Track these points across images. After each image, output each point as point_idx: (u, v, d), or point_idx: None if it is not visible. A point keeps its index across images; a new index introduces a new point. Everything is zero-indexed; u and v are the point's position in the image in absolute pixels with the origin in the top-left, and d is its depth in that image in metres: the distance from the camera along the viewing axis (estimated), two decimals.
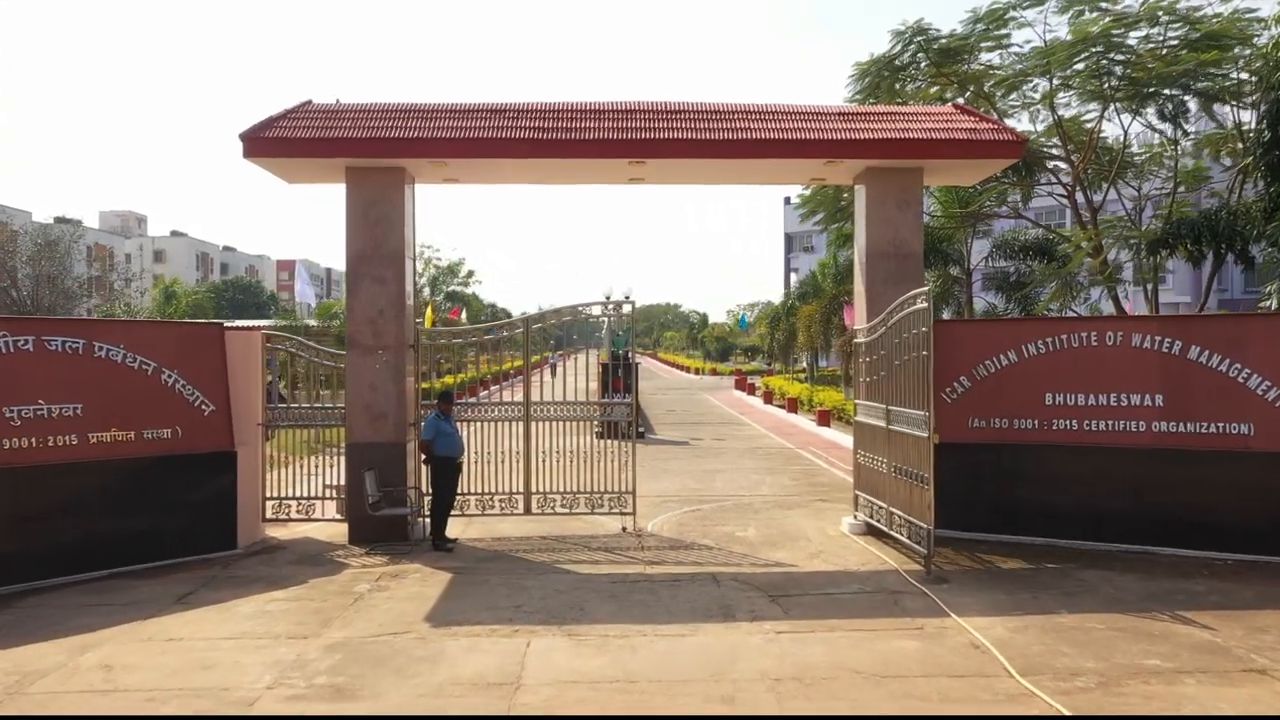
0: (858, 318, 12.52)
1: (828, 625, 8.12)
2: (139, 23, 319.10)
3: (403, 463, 11.77)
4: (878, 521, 11.33)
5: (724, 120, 11.62)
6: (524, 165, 11.83)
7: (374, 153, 11.29)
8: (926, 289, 9.78)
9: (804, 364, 46.60)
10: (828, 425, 25.56)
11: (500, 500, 12.22)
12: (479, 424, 12.33)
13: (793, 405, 31.04)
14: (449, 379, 25.39)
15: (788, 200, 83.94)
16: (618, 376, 23.96)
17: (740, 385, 45.61)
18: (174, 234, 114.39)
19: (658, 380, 62.02)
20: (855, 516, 12.13)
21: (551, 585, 9.49)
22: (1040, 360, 11.39)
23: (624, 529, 12.23)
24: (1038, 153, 17.13)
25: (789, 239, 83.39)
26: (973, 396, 11.53)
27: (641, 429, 24.80)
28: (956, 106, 12.22)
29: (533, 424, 12.24)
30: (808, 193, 19.51)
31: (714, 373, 69.94)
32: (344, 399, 11.91)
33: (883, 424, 11.08)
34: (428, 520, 11.56)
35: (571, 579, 9.76)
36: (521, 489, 12.23)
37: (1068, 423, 11.20)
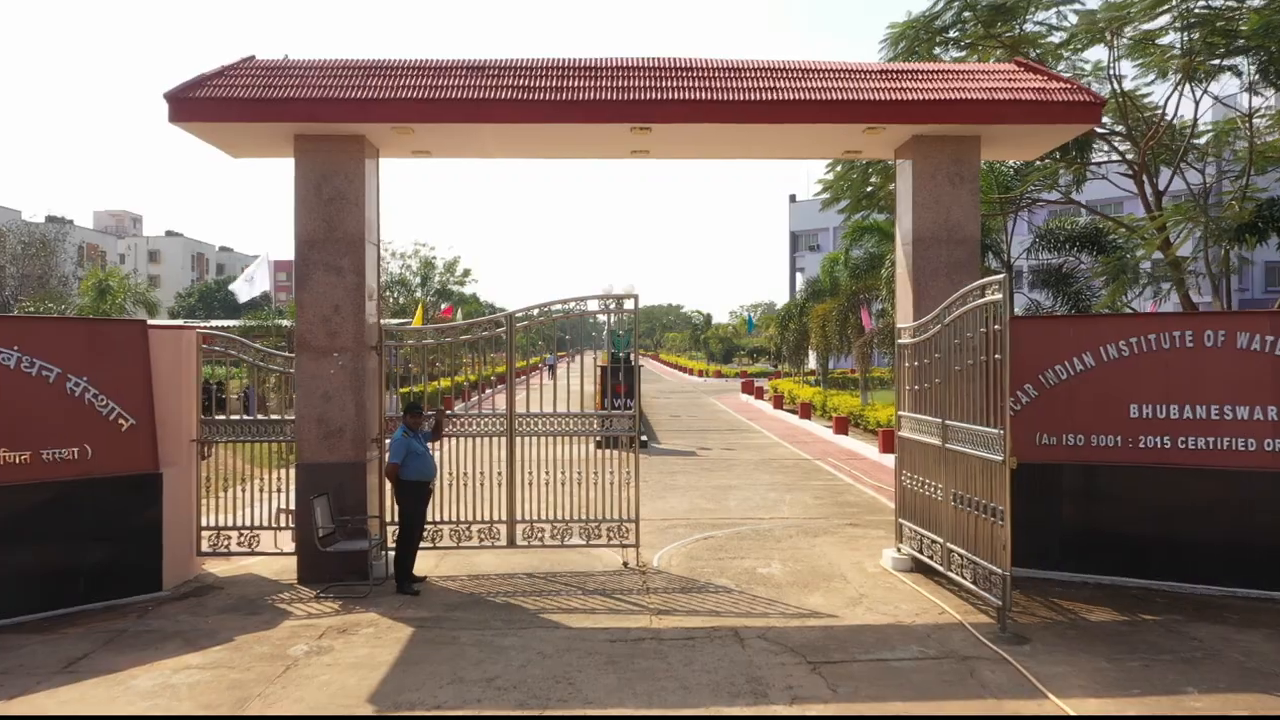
0: (899, 315, 10.64)
1: (889, 710, 6.25)
2: (139, 22, 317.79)
3: (363, 486, 9.90)
4: (930, 558, 9.44)
5: (743, 78, 9.74)
6: (506, 133, 9.97)
7: (327, 116, 9.42)
8: (1000, 278, 7.90)
9: (813, 366, 44.70)
10: (845, 433, 23.68)
11: (479, 530, 10.34)
12: (455, 440, 10.44)
13: (805, 411, 29.13)
14: (441, 382, 23.51)
15: (793, 198, 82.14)
16: (619, 381, 22.21)
17: (747, 389, 43.69)
18: (169, 234, 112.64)
19: (661, 383, 60.10)
20: (899, 549, 10.25)
21: (536, 645, 7.61)
22: (1122, 365, 9.52)
23: (625, 564, 10.36)
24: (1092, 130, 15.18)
25: (794, 237, 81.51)
26: (1040, 408, 9.66)
27: (645, 438, 22.94)
28: (1018, 63, 10.34)
29: (518, 439, 10.36)
30: (829, 176, 17.63)
31: (718, 375, 68.01)
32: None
33: (936, 441, 9.20)
34: (393, 553, 9.68)
35: (561, 636, 7.88)
36: (504, 516, 10.35)
37: (1157, 440, 9.33)
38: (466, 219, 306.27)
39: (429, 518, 10.08)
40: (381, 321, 10.45)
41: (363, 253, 9.94)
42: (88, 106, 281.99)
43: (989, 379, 8.09)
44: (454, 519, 10.30)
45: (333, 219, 9.89)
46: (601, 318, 10.62)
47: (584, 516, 10.40)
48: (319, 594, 9.29)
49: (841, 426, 24.01)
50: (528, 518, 10.38)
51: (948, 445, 8.94)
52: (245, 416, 10.46)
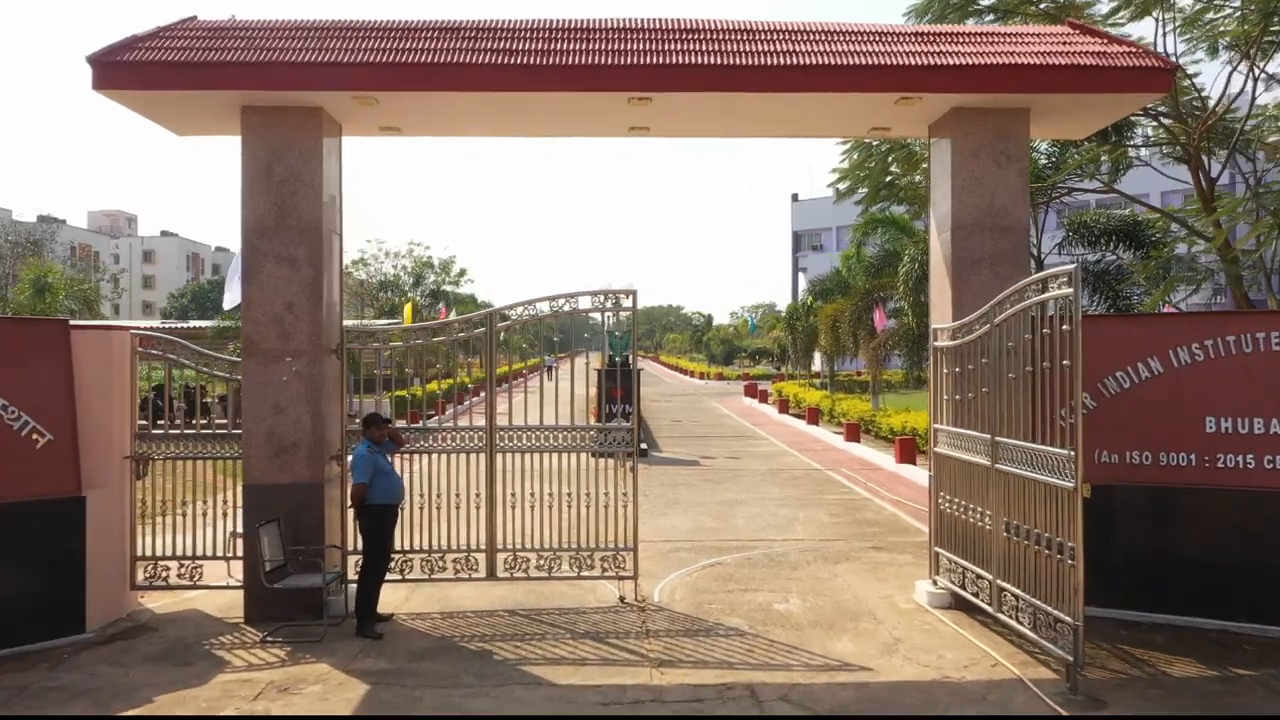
0: (935, 314, 9.35)
1: None
2: (139, 20, 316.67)
3: (320, 510, 8.61)
4: (974, 596, 8.14)
5: (757, 41, 8.46)
6: (485, 104, 8.69)
7: (276, 83, 8.14)
8: (1070, 268, 6.60)
9: (818, 368, 43.40)
10: (857, 440, 22.36)
11: (455, 560, 9.03)
12: (428, 457, 9.14)
13: (813, 416, 27.82)
14: (414, 390, 22.19)
15: (795, 197, 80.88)
16: (615, 385, 20.90)
17: (750, 392, 42.34)
18: (164, 234, 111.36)
19: (661, 385, 58.77)
20: (935, 582, 8.95)
21: (512, 710, 6.32)
22: (1197, 371, 8.23)
23: (622, 598, 9.06)
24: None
25: (796, 237, 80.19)
26: (1099, 421, 8.36)
27: (645, 446, 21.64)
28: (1072, 24, 9.05)
29: (499, 456, 9.06)
30: (845, 165, 16.36)
31: (720, 377, 66.63)
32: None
33: (983, 461, 7.90)
34: (355, 587, 8.37)
35: (543, 698, 6.58)
36: (483, 544, 9.05)
37: (1239, 458, 8.05)
38: (464, 219, 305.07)
39: (397, 546, 8.81)
40: (347, 322, 9.16)
41: (320, 242, 8.65)
42: (87, 105, 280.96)
43: (1052, 389, 6.80)
44: (426, 547, 9.00)
45: (285, 203, 8.60)
46: (596, 317, 9.31)
47: (574, 544, 9.09)
48: (266, 637, 8.00)
49: (853, 433, 22.69)
50: (510, 545, 9.08)
51: (998, 466, 7.65)
52: (187, 430, 9.13)
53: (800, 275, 75.73)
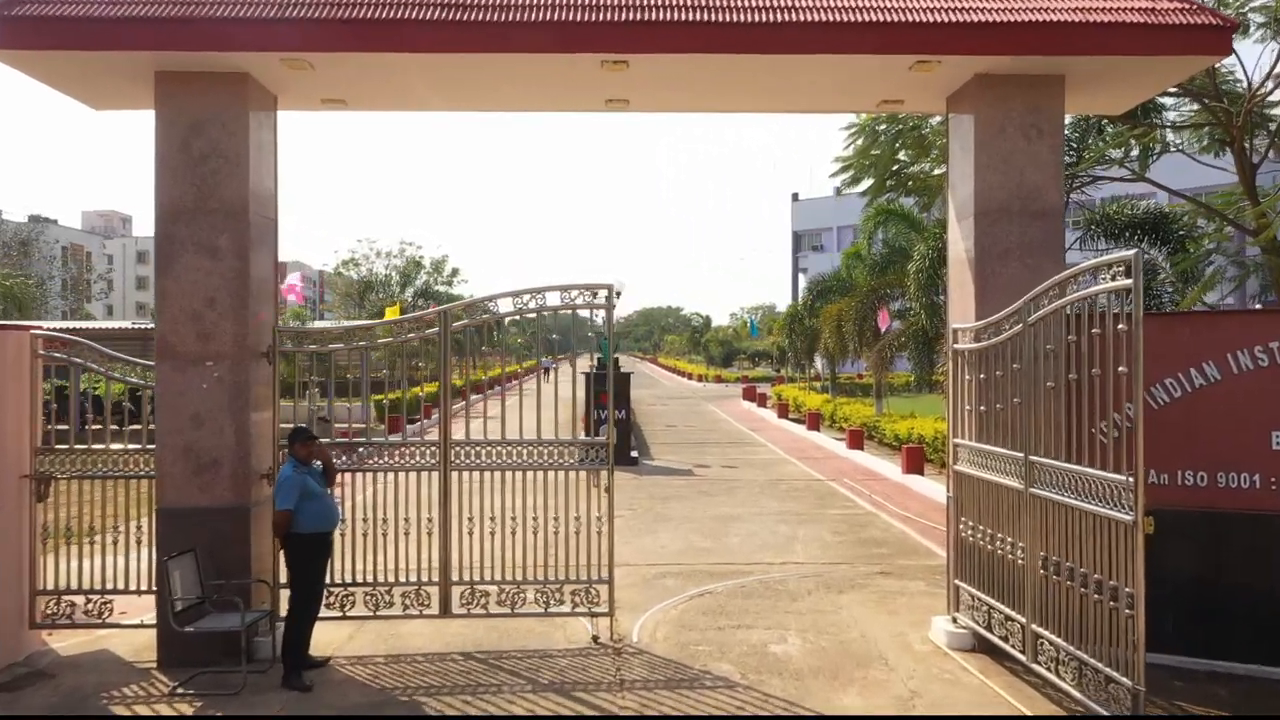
0: (954, 312, 8.21)
1: None
2: None
3: (246, 539, 7.46)
4: (1005, 641, 6.98)
5: None
6: (437, 70, 7.55)
7: (194, 42, 7.00)
8: (1129, 254, 5.45)
9: (818, 370, 42.23)
10: (860, 448, 21.19)
11: (403, 594, 7.87)
12: (373, 475, 7.98)
13: (814, 421, 26.65)
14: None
15: (795, 197, 79.75)
16: (604, 390, 19.74)
17: (749, 395, 41.15)
18: None
19: (658, 388, 57.60)
20: (955, 620, 7.79)
21: None
22: (1261, 378, 7.08)
23: (595, 637, 7.91)
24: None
25: (797, 237, 79.03)
26: (1146, 436, 7.17)
27: (635, 454, 20.49)
28: None
29: (455, 475, 7.90)
30: (848, 152, 15.20)
31: (719, 379, 65.37)
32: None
33: (1015, 483, 6.75)
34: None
35: None
36: (437, 576, 7.89)
37: None
38: (463, 219, 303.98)
39: (336, 578, 7.68)
40: (281, 323, 8.02)
41: (247, 228, 7.50)
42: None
43: (1104, 400, 5.66)
44: (370, 580, 7.84)
45: (206, 183, 7.45)
46: (584, 314, 8.16)
47: (540, 576, 7.93)
48: (177, 688, 6.85)
49: (856, 440, 21.53)
50: (467, 578, 7.92)
51: (1033, 490, 6.50)
52: (98, 445, 7.95)
53: (801, 276, 74.54)
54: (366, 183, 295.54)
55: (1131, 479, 5.36)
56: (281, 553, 7.16)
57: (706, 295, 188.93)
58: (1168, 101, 13.33)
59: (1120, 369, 5.51)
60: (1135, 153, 14.48)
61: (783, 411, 31.88)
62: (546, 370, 16.78)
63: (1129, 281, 5.40)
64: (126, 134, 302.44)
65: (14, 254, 60.05)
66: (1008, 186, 7.63)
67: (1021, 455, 6.65)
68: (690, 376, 70.92)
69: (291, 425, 7.56)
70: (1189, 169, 15.72)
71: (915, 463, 17.10)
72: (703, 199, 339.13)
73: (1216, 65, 13.24)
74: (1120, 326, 5.51)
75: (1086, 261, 5.99)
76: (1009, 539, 6.88)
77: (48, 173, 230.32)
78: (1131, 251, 5.44)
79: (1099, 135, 13.68)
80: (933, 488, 15.24)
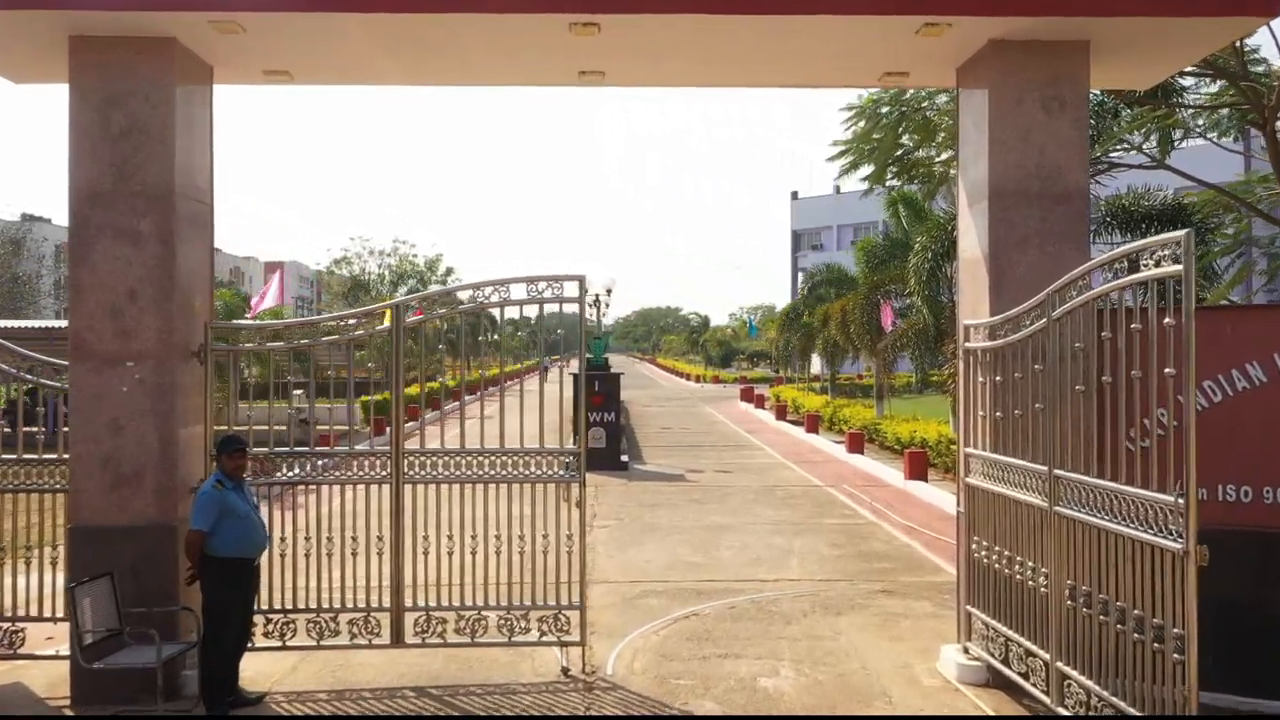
0: (965, 306, 7.40)
1: None
2: None
3: (170, 561, 6.64)
4: (1025, 678, 6.16)
5: None
6: (386, 33, 6.73)
7: (115, 2, 6.19)
8: (1180, 234, 4.63)
9: (817, 370, 41.40)
10: (860, 452, 20.37)
11: (351, 621, 7.05)
12: (317, 490, 7.16)
13: (812, 424, 25.81)
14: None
15: (795, 195, 78.96)
16: (597, 393, 18.91)
17: (746, 396, 40.30)
18: None
19: (655, 389, 56.74)
20: (966, 650, 6.98)
21: None
22: None
23: (565, 669, 7.10)
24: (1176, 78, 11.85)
25: (796, 236, 78.23)
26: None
27: (625, 458, 19.69)
28: None
29: (408, 489, 7.08)
30: (848, 136, 14.37)
31: (716, 380, 64.51)
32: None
33: (1037, 501, 5.94)
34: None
35: None
36: (388, 601, 7.07)
37: None
38: (461, 219, 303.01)
39: (275, 603, 6.87)
40: (212, 319, 7.19)
41: (173, 213, 6.69)
42: None
43: (1144, 407, 4.85)
44: (314, 605, 7.02)
45: (126, 163, 6.64)
46: (572, 310, 7.32)
47: (504, 601, 7.12)
48: None
49: (855, 443, 20.70)
50: (422, 603, 7.10)
51: (1059, 509, 5.69)
52: (8, 454, 7.14)
53: (800, 275, 73.73)
54: (366, 183, 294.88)
55: (1182, 499, 4.55)
56: (199, 579, 6.33)
57: (705, 295, 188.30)
58: (1187, 83, 12.50)
59: (1166, 370, 4.69)
60: (1155, 139, 13.64)
61: (781, 413, 31.05)
62: (545, 370, 16.00)
63: (1178, 268, 4.58)
64: None
65: (3, 252, 59.22)
66: (1026, 166, 6.82)
67: (1045, 469, 5.84)
68: (688, 377, 70.09)
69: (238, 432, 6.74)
70: (1205, 165, 14.89)
71: (918, 468, 16.27)
72: (703, 199, 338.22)
73: (1242, 42, 12.46)
74: (1167, 320, 4.69)
75: (1125, 245, 5.17)
76: (1030, 563, 6.06)
77: (46, 171, 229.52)
78: (1182, 232, 4.62)
79: (1115, 119, 12.85)
80: (937, 495, 14.44)
